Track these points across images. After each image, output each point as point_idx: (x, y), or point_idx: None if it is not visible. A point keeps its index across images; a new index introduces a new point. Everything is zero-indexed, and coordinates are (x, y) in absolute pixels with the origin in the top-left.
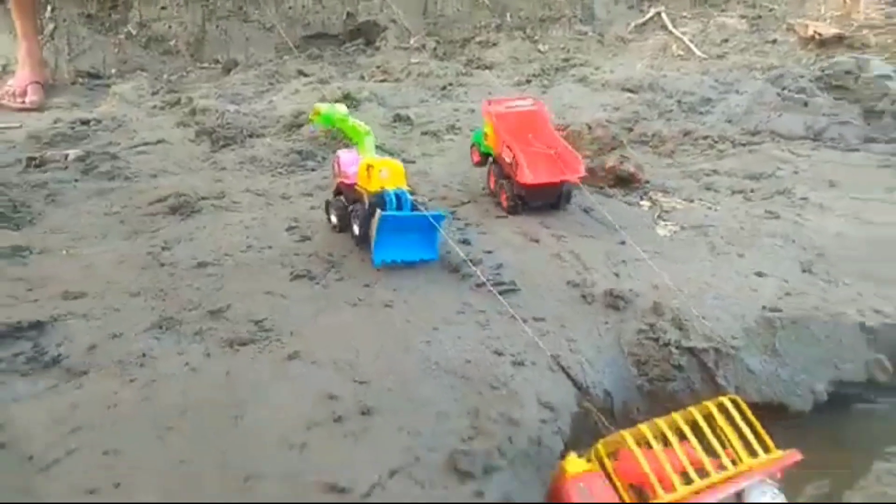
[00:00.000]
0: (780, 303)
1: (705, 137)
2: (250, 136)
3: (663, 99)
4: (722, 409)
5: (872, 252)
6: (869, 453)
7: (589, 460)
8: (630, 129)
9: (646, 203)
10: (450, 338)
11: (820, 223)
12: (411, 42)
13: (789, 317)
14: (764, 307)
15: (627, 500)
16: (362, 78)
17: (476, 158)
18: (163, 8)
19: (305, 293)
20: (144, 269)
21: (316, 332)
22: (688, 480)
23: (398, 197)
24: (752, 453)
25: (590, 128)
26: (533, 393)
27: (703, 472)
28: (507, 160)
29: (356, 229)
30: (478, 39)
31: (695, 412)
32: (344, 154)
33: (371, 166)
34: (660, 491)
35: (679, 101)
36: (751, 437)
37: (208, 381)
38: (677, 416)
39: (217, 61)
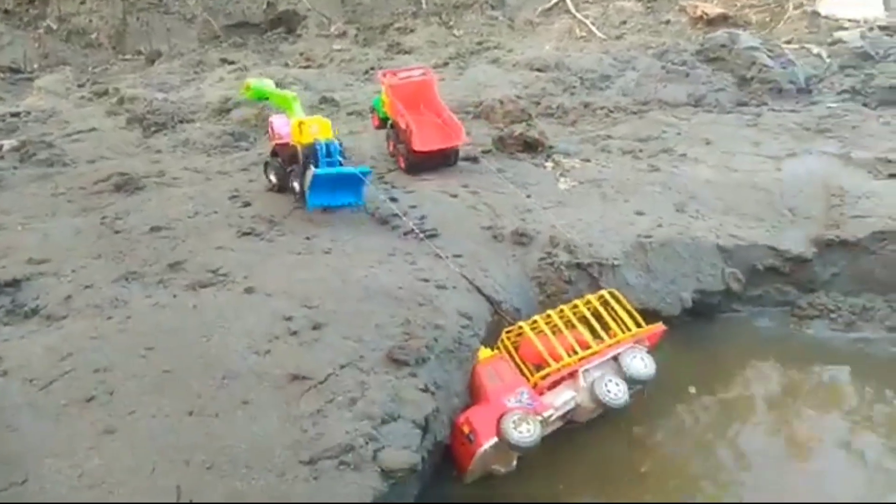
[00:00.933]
0: (652, 232)
1: (602, 108)
2: (181, 121)
3: (567, 76)
4: (602, 300)
5: (735, 194)
6: (727, 351)
7: (496, 349)
8: (537, 104)
9: (549, 164)
10: (383, 272)
11: (693, 173)
12: (332, 30)
13: (658, 241)
14: (639, 235)
15: (529, 377)
16: (286, 65)
17: (376, 122)
18: (82, 2)
19: (253, 246)
20: (101, 237)
21: (266, 273)
22: (570, 352)
23: (327, 146)
24: (628, 330)
25: (501, 103)
26: (454, 307)
27: (587, 349)
28: (402, 126)
29: (297, 187)
30: (396, 26)
31: (581, 305)
32: (276, 118)
33: (302, 123)
34: (551, 362)
35: (581, 78)
36: (627, 319)
37: (178, 314)
38: (566, 309)
39: (140, 53)
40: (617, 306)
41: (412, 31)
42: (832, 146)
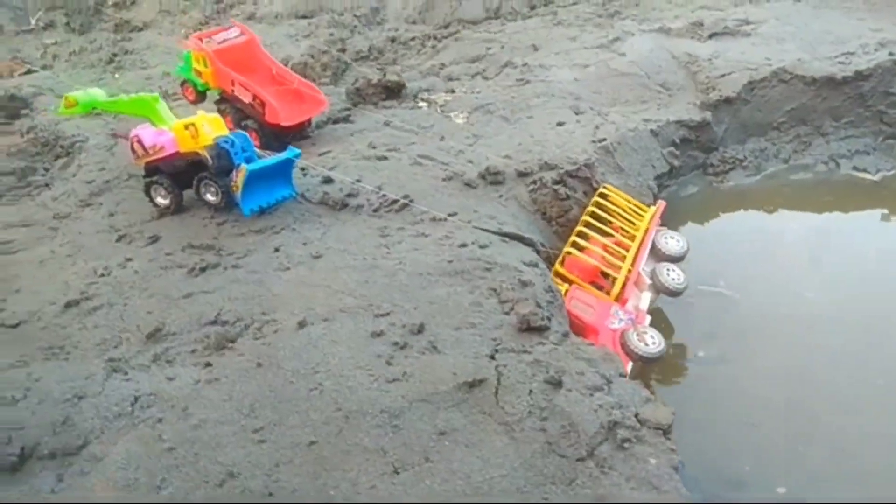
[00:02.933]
0: (598, 135)
1: (412, 40)
2: None
3: (338, 18)
4: (602, 196)
5: (607, 86)
6: (686, 217)
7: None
8: (343, 50)
9: (423, 104)
10: (414, 255)
11: (557, 77)
12: (32, 22)
13: (612, 141)
14: (592, 141)
15: (593, 292)
16: (2, 77)
17: (192, 96)
18: None
19: (226, 278)
20: None
21: (291, 301)
22: (621, 257)
23: (237, 140)
24: (638, 214)
25: (313, 57)
26: (516, 259)
27: (623, 246)
28: (247, 101)
29: (211, 198)
30: (112, 1)
31: (588, 215)
32: (142, 131)
33: (190, 125)
34: (613, 272)
35: (355, 16)
36: (630, 207)
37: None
38: (582, 223)
39: None
40: (617, 198)
41: (133, 2)
42: (636, 25)
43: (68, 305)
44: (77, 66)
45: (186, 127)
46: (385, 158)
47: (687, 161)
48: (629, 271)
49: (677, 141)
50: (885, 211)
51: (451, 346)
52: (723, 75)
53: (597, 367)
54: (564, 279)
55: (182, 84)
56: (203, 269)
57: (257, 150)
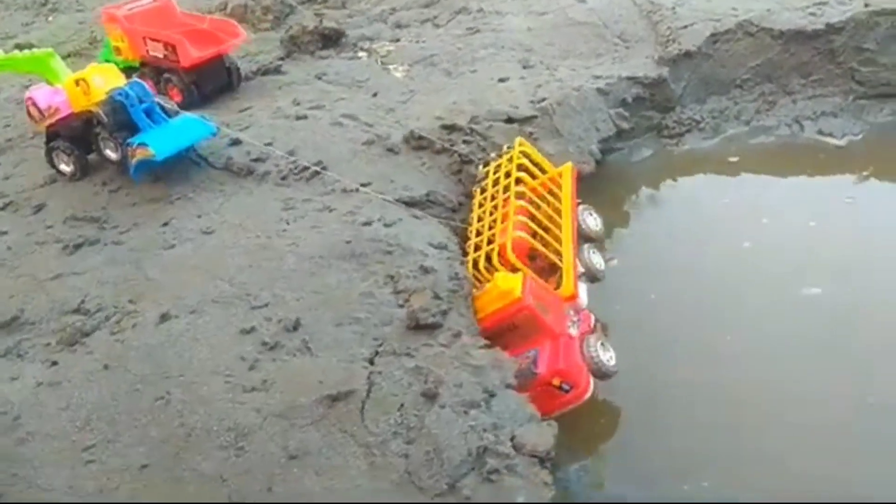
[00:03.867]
0: (537, 94)
1: None
2: None
3: None
4: (520, 154)
5: (562, 36)
6: (635, 186)
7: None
8: None
9: (363, 54)
10: (311, 233)
11: (510, 25)
12: None
13: (553, 101)
14: (531, 101)
15: (545, 286)
16: None
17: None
18: None
19: (102, 259)
20: None
21: (162, 287)
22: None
23: (132, 91)
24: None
25: (254, 0)
26: (422, 241)
27: (557, 224)
28: (160, 54)
29: (112, 155)
30: None
31: (504, 166)
32: (36, 92)
33: (80, 80)
34: (558, 260)
35: None
36: (542, 168)
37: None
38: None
39: None
40: (532, 155)
41: None
42: None
43: None
44: (10, 8)
45: (77, 83)
46: (304, 118)
47: (640, 122)
48: (572, 258)
49: (629, 100)
50: (849, 179)
51: (326, 348)
52: (685, 26)
53: (481, 377)
54: (513, 268)
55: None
56: (78, 246)
57: (160, 99)
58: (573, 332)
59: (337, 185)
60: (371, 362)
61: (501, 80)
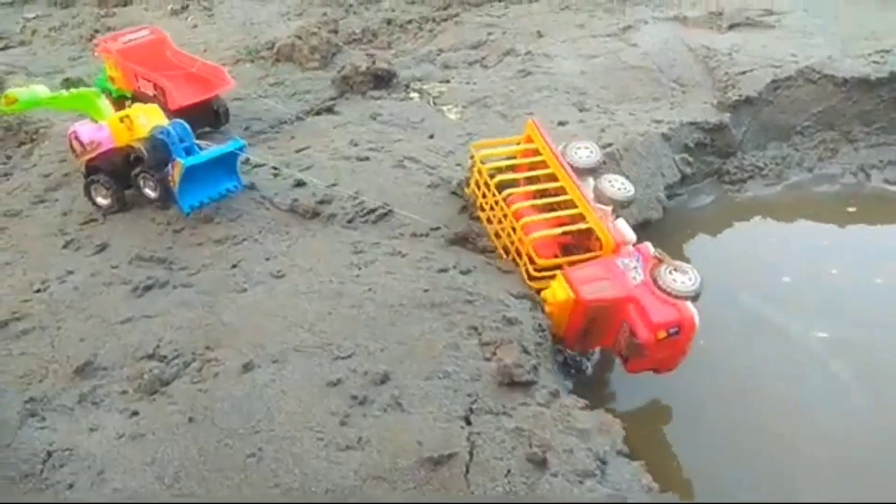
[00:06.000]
0: (602, 138)
1: (409, 22)
2: None
3: None
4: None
5: (616, 80)
6: (701, 230)
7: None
8: (335, 32)
9: (415, 95)
10: (385, 279)
11: (562, 68)
12: None
13: (619, 146)
14: (600, 146)
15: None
16: None
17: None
18: None
19: (173, 301)
20: None
21: (241, 332)
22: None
23: (174, 130)
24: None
25: (300, 38)
26: (502, 290)
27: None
28: (150, 93)
29: (151, 193)
30: None
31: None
32: (81, 127)
33: (125, 117)
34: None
35: None
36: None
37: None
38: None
39: None
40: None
41: None
42: (650, 12)
43: None
44: (56, 43)
45: (122, 119)
46: (366, 159)
47: (700, 167)
48: (591, 210)
49: (691, 145)
50: None
51: (419, 403)
52: (743, 72)
53: (589, 443)
54: (546, 271)
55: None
56: (148, 288)
57: (200, 142)
58: (638, 278)
59: (406, 228)
60: (467, 421)
61: (561, 124)
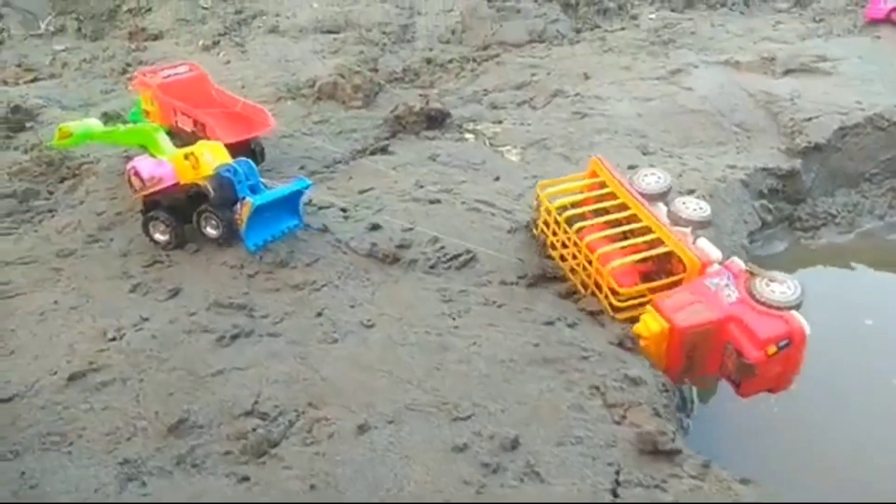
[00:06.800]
0: (680, 184)
1: (449, 61)
2: None
3: (366, 34)
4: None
5: (675, 123)
6: None
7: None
8: (375, 70)
9: (470, 136)
10: (488, 332)
11: (616, 110)
12: (42, 27)
13: (703, 192)
14: (679, 192)
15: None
16: (4, 83)
17: None
18: None
19: (260, 351)
20: None
21: (345, 390)
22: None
23: (241, 168)
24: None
25: (343, 77)
26: (611, 341)
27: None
28: (188, 129)
29: (213, 233)
30: (126, 7)
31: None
32: (141, 162)
33: (190, 154)
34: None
35: (384, 32)
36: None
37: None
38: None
39: None
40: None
41: (149, 9)
42: (695, 55)
43: (72, 378)
44: (88, 76)
45: (186, 157)
46: (438, 202)
47: (773, 214)
48: (669, 233)
49: (765, 191)
50: None
51: (557, 472)
52: (809, 118)
53: None
54: (630, 300)
55: None
56: (234, 337)
57: (265, 181)
58: (733, 296)
59: (493, 276)
60: (614, 494)
61: (631, 168)
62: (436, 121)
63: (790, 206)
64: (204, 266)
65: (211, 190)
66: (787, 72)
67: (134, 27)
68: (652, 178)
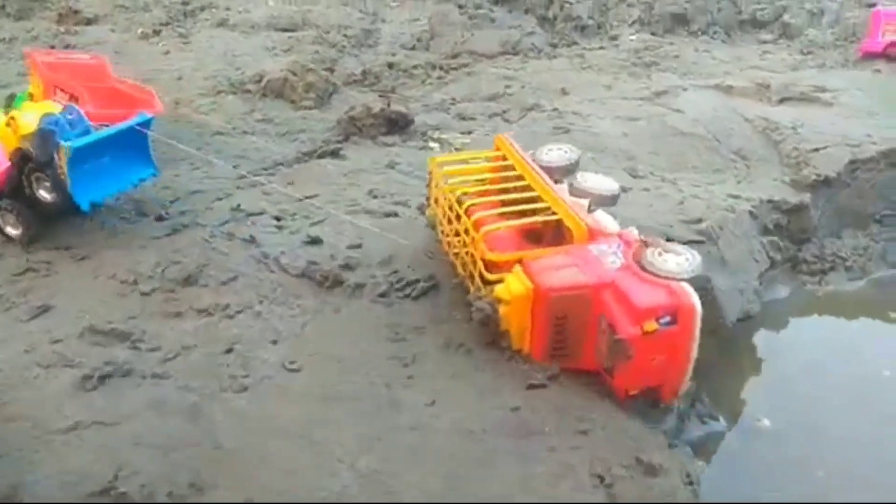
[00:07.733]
0: (687, 212)
1: (414, 67)
2: None
3: (324, 35)
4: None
5: (666, 145)
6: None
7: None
8: (331, 70)
9: (435, 145)
10: (447, 392)
11: (600, 129)
12: None
13: (712, 223)
14: (683, 220)
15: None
16: None
17: None
18: None
19: (150, 400)
20: None
21: (252, 459)
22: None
23: (61, 118)
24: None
25: (295, 74)
26: (616, 410)
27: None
28: (63, 103)
29: (46, 195)
30: None
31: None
32: None
33: (10, 119)
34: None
35: (345, 35)
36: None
37: None
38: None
39: None
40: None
41: None
42: (679, 79)
43: None
44: (3, 57)
45: (8, 124)
46: (395, 215)
47: (782, 253)
48: (560, 202)
49: (771, 227)
50: None
51: None
52: (816, 149)
53: None
54: (498, 267)
55: None
56: (105, 378)
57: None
58: (617, 263)
59: (458, 309)
60: None
61: (624, 190)
62: (397, 125)
63: (794, 245)
64: (88, 278)
65: (32, 150)
66: (784, 99)
67: (65, 9)
68: (557, 153)
